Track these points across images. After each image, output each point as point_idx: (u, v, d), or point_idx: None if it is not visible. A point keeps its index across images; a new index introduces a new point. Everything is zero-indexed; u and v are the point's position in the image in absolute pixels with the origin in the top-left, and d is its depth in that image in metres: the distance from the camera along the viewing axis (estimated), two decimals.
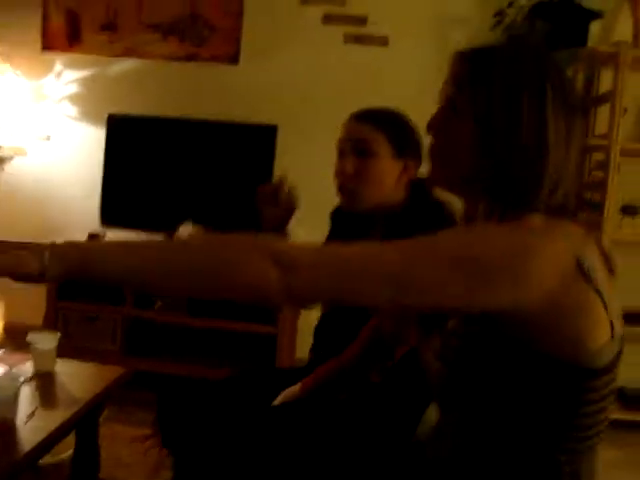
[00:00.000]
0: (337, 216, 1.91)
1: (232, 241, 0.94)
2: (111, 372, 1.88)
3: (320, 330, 1.85)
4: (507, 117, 1.00)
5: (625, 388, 3.35)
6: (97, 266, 0.96)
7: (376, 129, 1.68)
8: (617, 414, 3.19)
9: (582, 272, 0.95)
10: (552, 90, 1.01)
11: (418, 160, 1.73)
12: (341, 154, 1.72)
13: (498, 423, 1.02)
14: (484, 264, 0.90)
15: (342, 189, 1.72)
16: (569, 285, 0.94)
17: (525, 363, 0.97)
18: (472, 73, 1.05)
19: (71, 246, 0.97)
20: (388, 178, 1.69)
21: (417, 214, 1.67)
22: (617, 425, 3.12)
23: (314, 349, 1.86)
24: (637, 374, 3.34)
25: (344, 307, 1.75)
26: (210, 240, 1.00)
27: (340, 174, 1.71)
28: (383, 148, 1.67)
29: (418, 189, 1.71)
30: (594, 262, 0.98)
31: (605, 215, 3.10)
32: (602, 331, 0.97)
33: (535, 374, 0.97)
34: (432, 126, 1.11)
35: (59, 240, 0.99)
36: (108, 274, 0.97)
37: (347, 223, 1.83)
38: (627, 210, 3.24)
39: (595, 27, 3.32)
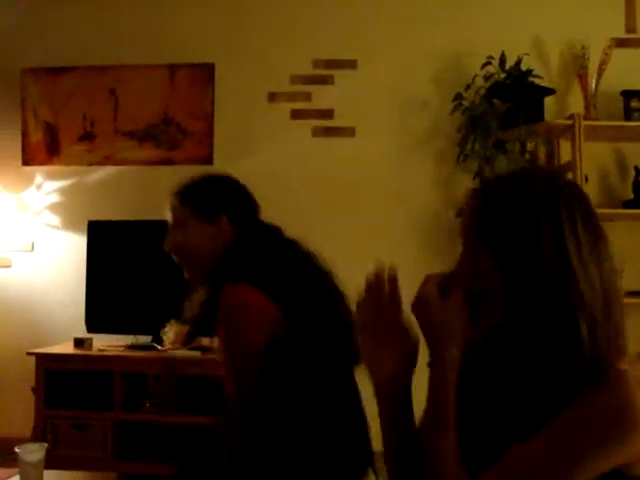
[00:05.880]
0: None
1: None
2: (101, 479, 1.86)
3: None
4: (526, 245, 0.99)
5: None
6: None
7: (176, 199, 1.78)
8: None
9: None
10: (567, 211, 1.00)
11: (233, 211, 1.78)
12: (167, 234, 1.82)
13: None
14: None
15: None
16: None
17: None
18: (485, 208, 1.04)
19: None
20: (203, 241, 1.75)
21: (228, 259, 1.70)
22: None
23: None
24: None
25: None
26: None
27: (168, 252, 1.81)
28: (188, 217, 1.76)
29: (244, 233, 1.76)
30: None
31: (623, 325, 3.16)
32: None
33: None
34: (458, 270, 1.06)
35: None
36: None
37: None
38: None
39: (549, 102, 3.49)
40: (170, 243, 1.79)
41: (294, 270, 1.71)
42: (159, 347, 3.32)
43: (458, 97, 3.45)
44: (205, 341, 3.42)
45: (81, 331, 3.45)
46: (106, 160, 3.85)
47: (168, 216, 1.80)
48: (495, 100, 3.41)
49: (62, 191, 3.87)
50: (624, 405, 0.93)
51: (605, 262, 1.02)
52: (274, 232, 1.80)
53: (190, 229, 1.76)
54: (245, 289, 1.60)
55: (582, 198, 1.04)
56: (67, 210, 3.86)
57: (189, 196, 1.79)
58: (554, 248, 0.98)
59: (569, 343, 0.97)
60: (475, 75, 3.45)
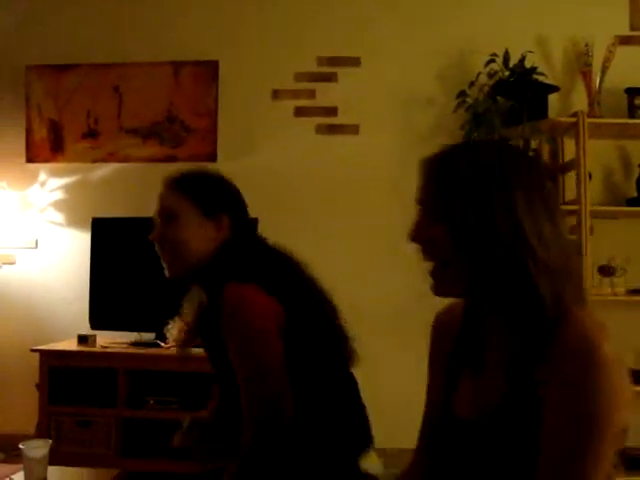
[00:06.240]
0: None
1: None
2: (104, 475, 1.87)
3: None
4: (479, 213, 1.01)
5: (625, 449, 3.32)
6: None
7: (180, 193, 1.66)
8: (618, 476, 3.15)
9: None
10: (518, 179, 1.02)
11: (235, 213, 1.70)
12: (153, 223, 1.71)
13: None
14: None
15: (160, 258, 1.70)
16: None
17: None
18: (438, 177, 1.06)
19: None
20: (199, 239, 1.65)
21: (226, 257, 1.64)
22: None
23: None
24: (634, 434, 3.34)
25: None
26: None
27: (152, 242, 1.69)
28: (188, 211, 1.65)
29: (238, 236, 1.69)
30: None
31: (584, 276, 3.16)
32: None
33: None
34: (415, 237, 1.08)
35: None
36: None
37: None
38: (604, 270, 3.31)
39: (553, 100, 3.48)
40: (160, 235, 1.67)
41: (290, 271, 1.68)
42: (162, 344, 3.33)
43: (462, 94, 3.45)
44: None
45: (85, 328, 3.47)
46: (110, 157, 3.85)
47: (160, 208, 1.68)
48: (499, 97, 3.40)
49: (66, 188, 3.88)
50: (589, 352, 0.93)
51: (560, 226, 1.04)
52: (261, 237, 1.75)
53: (189, 225, 1.66)
54: (248, 288, 1.57)
55: (534, 167, 1.07)
56: (71, 207, 3.87)
57: (192, 189, 1.68)
58: (507, 217, 1.00)
59: (531, 306, 0.99)
60: (479, 72, 3.44)
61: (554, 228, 1.02)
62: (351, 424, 1.66)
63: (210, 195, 1.70)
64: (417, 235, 1.08)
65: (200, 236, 1.66)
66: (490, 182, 1.02)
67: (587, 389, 0.93)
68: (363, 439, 1.68)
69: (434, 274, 1.08)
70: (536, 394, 0.98)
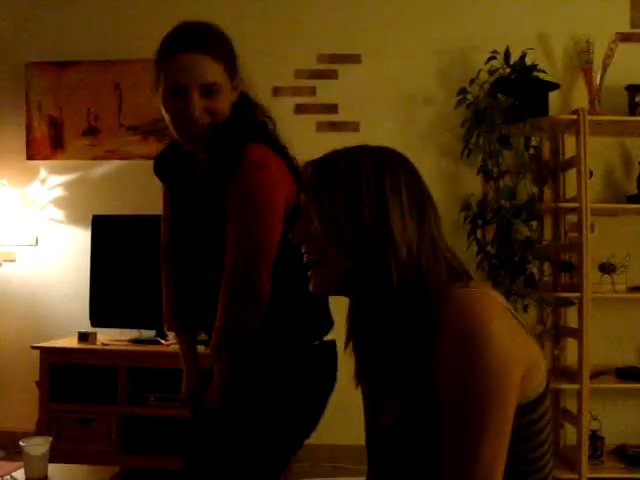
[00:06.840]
0: (163, 167, 1.77)
1: None
2: (104, 472, 1.88)
3: None
4: (347, 201, 1.03)
5: (626, 446, 3.33)
6: None
7: (215, 61, 1.52)
8: (620, 473, 3.16)
9: (514, 316, 1.01)
10: (390, 180, 1.05)
11: (239, 74, 1.61)
12: (181, 92, 1.49)
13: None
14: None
15: (190, 131, 1.53)
16: (522, 343, 0.99)
17: None
18: (315, 177, 1.08)
19: None
20: (228, 105, 1.56)
21: (243, 119, 1.58)
22: None
23: None
24: (635, 431, 3.35)
25: None
26: None
27: (188, 116, 1.50)
28: (225, 79, 1.54)
29: (241, 103, 1.61)
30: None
31: (584, 274, 3.16)
32: (540, 360, 1.02)
33: None
34: (294, 236, 1.11)
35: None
36: None
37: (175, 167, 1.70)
38: (605, 268, 3.31)
39: (554, 97, 3.48)
40: (204, 109, 1.50)
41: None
42: (163, 341, 3.34)
43: (462, 92, 3.44)
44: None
45: (85, 325, 3.47)
46: (110, 154, 3.85)
47: (195, 79, 1.49)
48: (499, 95, 3.39)
49: (66, 185, 3.88)
50: (468, 327, 0.93)
51: (427, 221, 1.08)
52: None
53: (226, 94, 1.54)
54: (269, 150, 1.52)
55: (408, 171, 1.10)
56: (71, 204, 3.87)
57: (224, 53, 1.55)
58: (375, 210, 1.02)
59: (389, 293, 1.01)
60: (480, 70, 3.44)
61: (420, 227, 1.05)
62: (317, 306, 1.66)
63: (233, 61, 1.60)
64: (295, 234, 1.10)
65: (229, 102, 1.58)
66: (360, 173, 1.05)
67: (467, 366, 0.93)
68: (328, 320, 1.68)
69: (312, 272, 1.09)
70: (437, 391, 0.97)
